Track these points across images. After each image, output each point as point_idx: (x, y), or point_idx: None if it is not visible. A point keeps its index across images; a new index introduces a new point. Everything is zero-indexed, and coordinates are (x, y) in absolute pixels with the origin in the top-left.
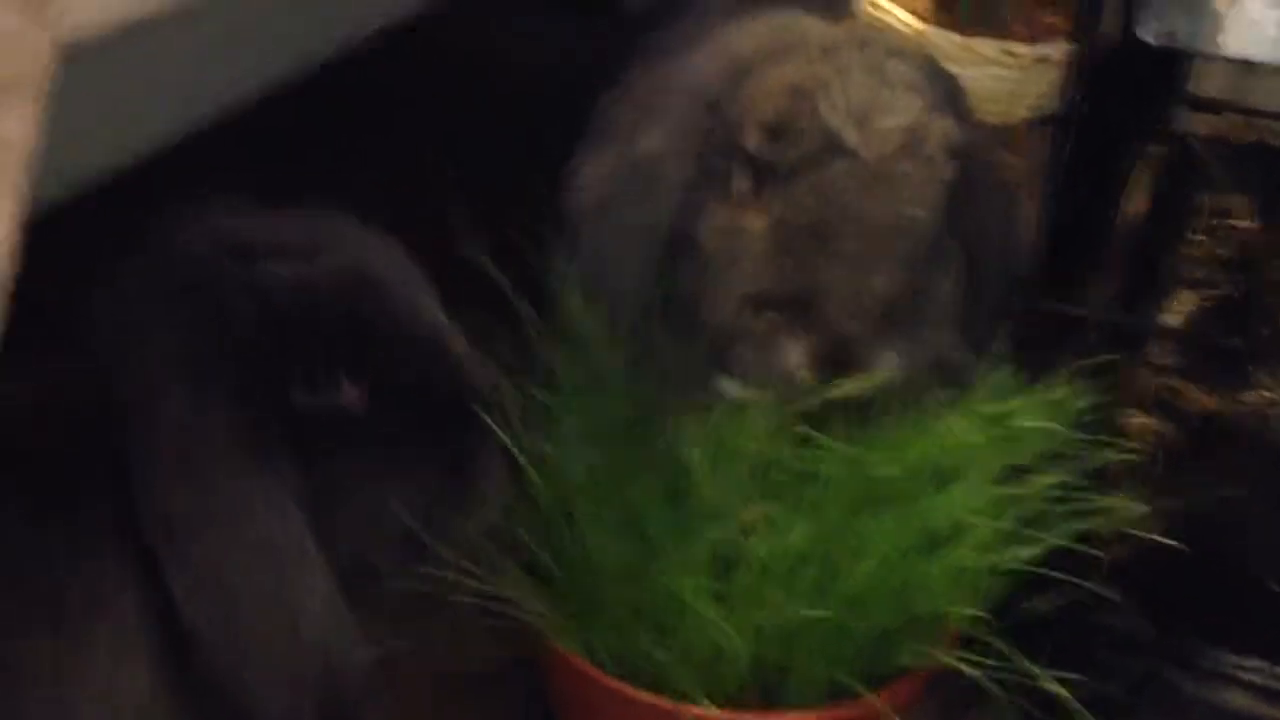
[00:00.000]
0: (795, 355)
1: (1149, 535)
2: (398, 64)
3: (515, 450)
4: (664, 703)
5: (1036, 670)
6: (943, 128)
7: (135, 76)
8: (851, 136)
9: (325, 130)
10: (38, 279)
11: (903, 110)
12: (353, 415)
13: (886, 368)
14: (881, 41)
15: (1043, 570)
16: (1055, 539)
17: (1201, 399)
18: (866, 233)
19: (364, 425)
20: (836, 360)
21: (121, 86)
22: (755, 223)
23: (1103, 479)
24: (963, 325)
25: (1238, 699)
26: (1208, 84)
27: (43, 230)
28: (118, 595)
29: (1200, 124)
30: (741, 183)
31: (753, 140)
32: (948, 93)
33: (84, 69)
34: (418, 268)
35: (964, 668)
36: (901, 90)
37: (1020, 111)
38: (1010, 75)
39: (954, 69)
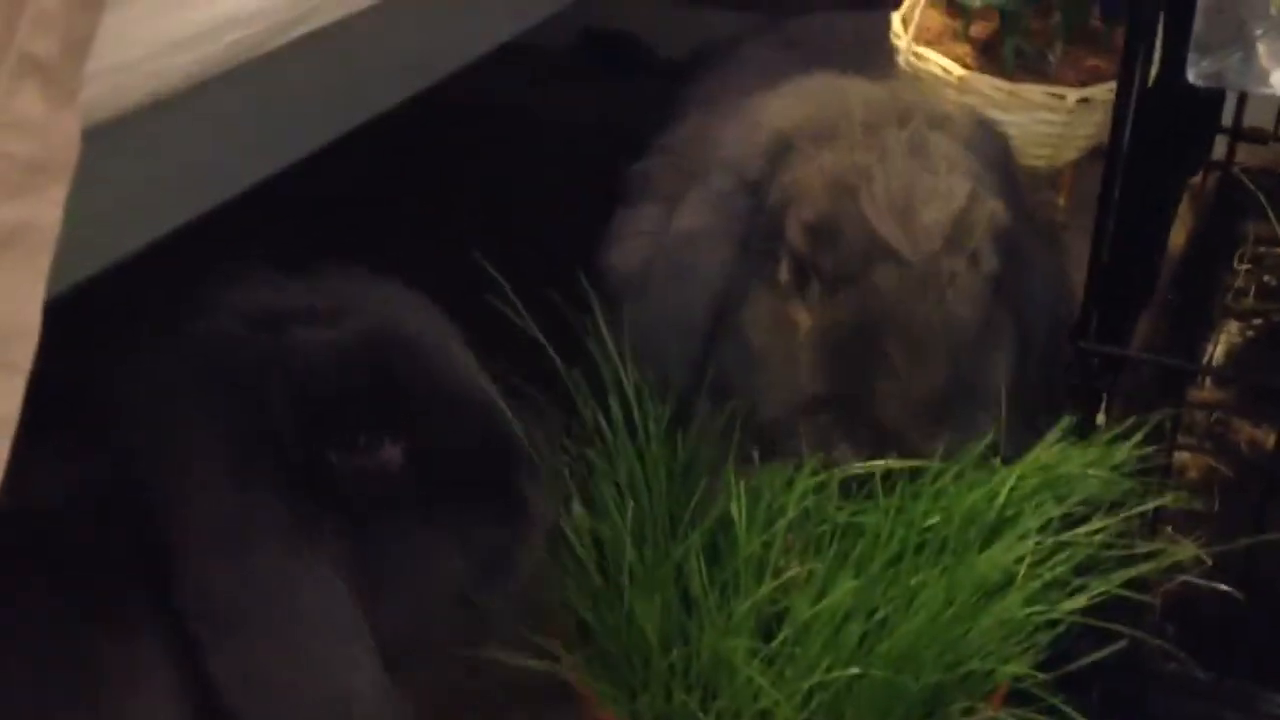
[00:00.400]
0: (849, 454)
1: (1203, 579)
2: (432, 122)
3: (557, 508)
4: None
5: None
6: (987, 213)
7: (158, 152)
8: (895, 237)
9: (358, 191)
10: (63, 358)
11: (945, 199)
12: (395, 475)
13: (937, 452)
14: (923, 110)
15: (1093, 621)
16: (1107, 586)
17: (1253, 434)
18: (914, 336)
19: (406, 485)
20: (889, 450)
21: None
22: (803, 319)
23: (1156, 520)
24: (1016, 390)
25: None
26: (1251, 114)
27: (66, 308)
28: (151, 679)
29: (1244, 154)
30: (786, 275)
31: (797, 239)
32: (993, 156)
33: (110, 147)
34: (449, 322)
35: None
36: (945, 173)
37: (1069, 154)
38: (1057, 119)
39: (1000, 115)
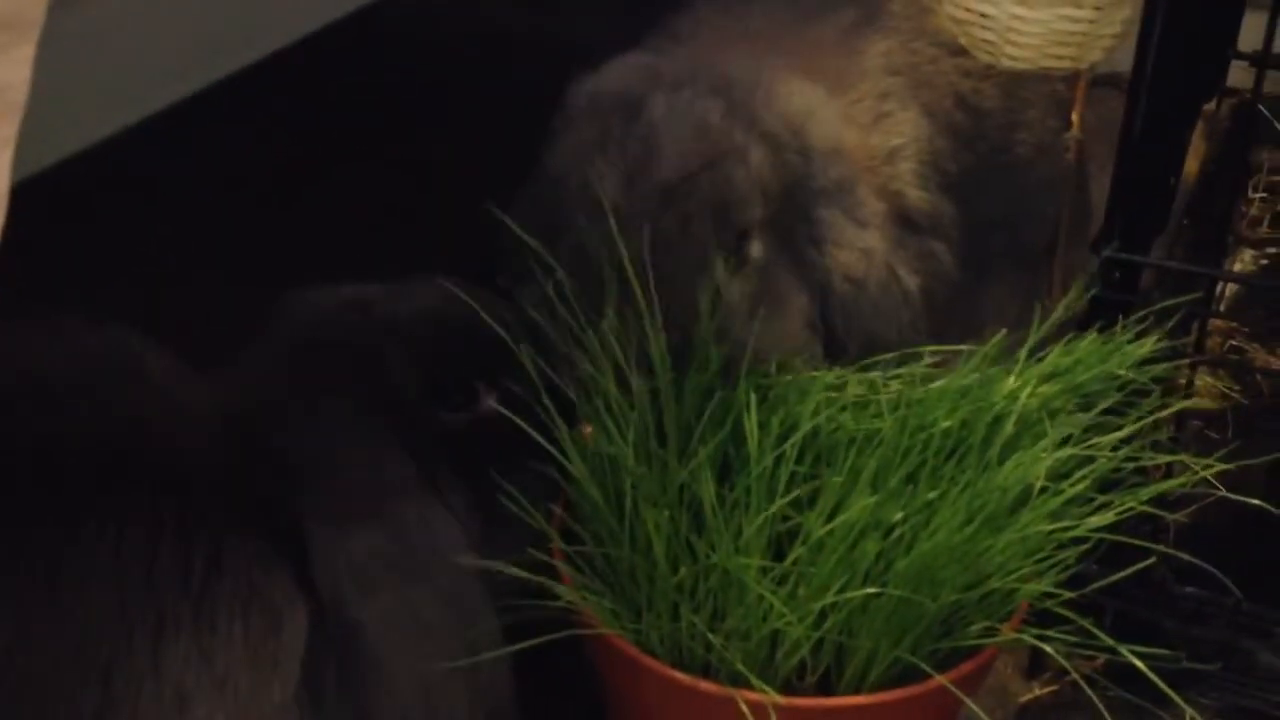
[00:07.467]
0: None
1: (1226, 494)
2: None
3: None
4: (719, 690)
5: (1114, 643)
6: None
7: None
8: None
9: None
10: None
11: None
12: (493, 421)
13: None
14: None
15: (1116, 537)
16: (1134, 502)
17: (1268, 360)
18: None
19: (503, 429)
20: None
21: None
22: None
23: (1173, 441)
24: None
25: None
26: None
27: None
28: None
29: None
30: None
31: None
32: None
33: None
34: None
35: (1041, 645)
36: None
37: (1092, 55)
38: (1083, 15)
39: (1023, 12)
